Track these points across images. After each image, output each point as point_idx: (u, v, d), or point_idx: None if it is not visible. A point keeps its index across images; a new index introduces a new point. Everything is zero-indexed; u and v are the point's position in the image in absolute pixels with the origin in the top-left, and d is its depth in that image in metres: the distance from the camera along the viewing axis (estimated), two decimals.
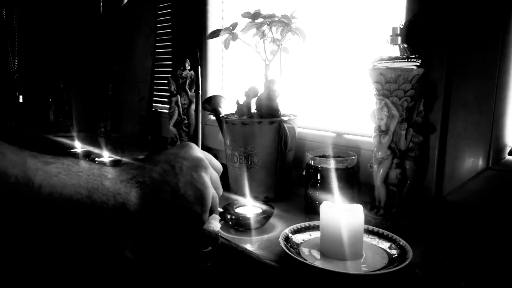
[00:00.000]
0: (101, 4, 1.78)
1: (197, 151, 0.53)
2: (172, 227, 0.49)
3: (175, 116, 1.20)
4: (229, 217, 0.69)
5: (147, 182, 0.46)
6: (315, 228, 0.65)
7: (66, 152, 1.23)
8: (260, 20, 0.83)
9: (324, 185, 0.75)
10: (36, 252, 0.44)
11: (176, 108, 1.20)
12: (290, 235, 0.62)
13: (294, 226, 0.64)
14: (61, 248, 0.45)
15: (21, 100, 1.64)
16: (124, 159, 1.15)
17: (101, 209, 0.42)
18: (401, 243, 0.58)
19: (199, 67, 0.65)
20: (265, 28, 0.84)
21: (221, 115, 0.90)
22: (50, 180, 0.39)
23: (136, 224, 0.45)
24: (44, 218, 0.40)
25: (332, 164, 0.74)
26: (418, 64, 0.66)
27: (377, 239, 0.62)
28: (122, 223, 0.44)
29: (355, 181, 0.79)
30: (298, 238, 0.62)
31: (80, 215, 0.41)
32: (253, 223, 0.67)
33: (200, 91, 0.66)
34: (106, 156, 1.15)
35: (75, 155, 1.21)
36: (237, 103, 0.90)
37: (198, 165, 0.50)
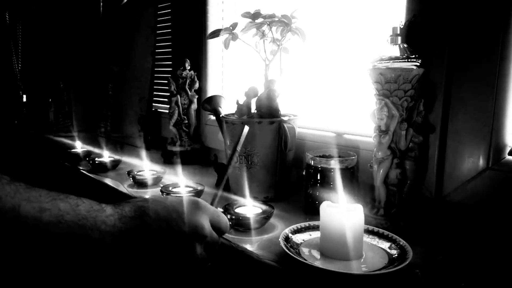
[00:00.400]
0: (101, 4, 1.78)
1: (204, 215, 0.51)
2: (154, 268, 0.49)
3: (175, 116, 1.20)
4: (229, 217, 0.69)
5: (139, 238, 0.46)
6: (315, 228, 0.65)
7: (66, 152, 1.23)
8: (260, 20, 0.83)
9: (324, 185, 0.75)
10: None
11: (176, 108, 1.20)
12: (290, 235, 0.62)
13: (294, 226, 0.64)
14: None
15: (24, 99, 1.64)
16: (123, 160, 1.15)
17: (80, 255, 0.43)
18: (401, 243, 0.58)
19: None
20: (265, 28, 0.84)
21: (221, 115, 0.90)
22: (39, 225, 0.40)
23: (114, 267, 0.46)
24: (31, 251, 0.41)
25: (332, 164, 0.74)
26: (418, 64, 0.66)
27: (377, 239, 0.62)
28: (100, 267, 0.45)
29: (355, 181, 0.79)
30: (298, 238, 0.62)
31: (68, 257, 0.42)
32: (253, 223, 0.67)
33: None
34: (106, 156, 1.15)
35: (75, 156, 1.21)
36: (237, 103, 0.90)
37: (196, 234, 0.49)
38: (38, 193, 0.41)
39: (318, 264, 0.55)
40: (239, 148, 0.62)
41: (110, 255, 0.44)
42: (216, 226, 0.53)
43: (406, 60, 0.65)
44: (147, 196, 0.52)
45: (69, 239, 0.41)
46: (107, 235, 0.44)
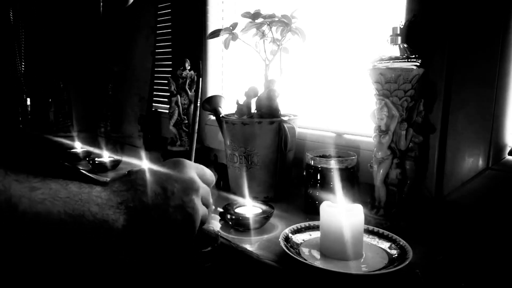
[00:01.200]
0: (101, 4, 1.78)
1: (190, 170, 0.51)
2: (159, 247, 0.48)
3: (175, 116, 1.20)
4: (229, 217, 0.69)
5: (138, 207, 0.45)
6: (315, 228, 0.65)
7: (66, 152, 1.23)
8: (260, 20, 0.83)
9: (324, 185, 0.75)
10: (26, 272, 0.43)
11: (176, 108, 1.20)
12: (290, 235, 0.62)
13: (294, 226, 0.64)
14: (50, 269, 0.45)
15: (28, 103, 1.64)
16: (123, 160, 1.15)
17: (85, 235, 0.41)
18: (401, 243, 0.58)
19: (200, 79, 0.65)
20: (265, 28, 0.84)
21: (221, 115, 0.90)
22: (34, 207, 0.38)
23: (121, 245, 0.44)
24: (30, 243, 0.39)
25: (332, 164, 0.74)
26: (418, 64, 0.66)
27: (377, 239, 0.62)
28: (107, 245, 0.43)
29: (355, 181, 0.79)
30: (298, 238, 0.62)
31: (65, 239, 0.41)
32: (253, 223, 0.67)
33: (199, 103, 0.65)
34: (106, 156, 1.15)
35: (75, 156, 1.21)
36: (237, 103, 0.90)
37: (189, 187, 0.49)
38: (25, 175, 0.40)
39: (318, 264, 0.55)
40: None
41: (114, 228, 0.43)
42: (203, 179, 0.53)
43: (406, 60, 0.65)
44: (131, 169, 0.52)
45: (69, 215, 0.40)
46: (105, 207, 0.43)
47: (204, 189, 0.52)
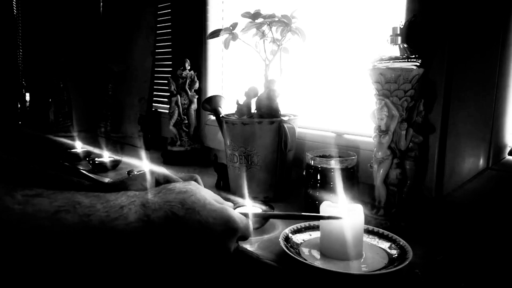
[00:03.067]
0: (101, 4, 1.78)
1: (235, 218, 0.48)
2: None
3: (175, 116, 1.20)
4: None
5: (162, 244, 0.42)
6: (315, 228, 0.65)
7: (66, 152, 1.23)
8: (260, 20, 0.83)
9: (324, 185, 0.75)
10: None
11: (176, 108, 1.20)
12: (290, 235, 0.62)
13: (294, 226, 0.64)
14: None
15: (28, 98, 1.64)
16: (123, 160, 1.15)
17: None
18: (401, 243, 0.58)
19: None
20: (265, 28, 0.84)
21: (221, 115, 0.90)
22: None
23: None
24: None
25: (332, 164, 0.74)
26: (418, 64, 0.66)
27: (377, 239, 0.62)
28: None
29: (355, 181, 0.79)
30: (298, 238, 0.62)
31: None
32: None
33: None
34: (106, 156, 1.15)
35: (75, 156, 1.21)
36: (237, 103, 0.90)
37: (229, 233, 0.47)
38: (38, 203, 0.36)
39: (318, 264, 0.55)
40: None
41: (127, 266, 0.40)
42: (241, 238, 0.52)
43: (406, 60, 0.65)
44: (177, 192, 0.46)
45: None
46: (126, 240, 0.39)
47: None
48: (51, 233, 0.35)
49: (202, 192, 0.48)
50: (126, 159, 1.17)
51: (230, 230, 0.47)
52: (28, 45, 1.68)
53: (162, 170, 0.53)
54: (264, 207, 0.71)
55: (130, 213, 0.40)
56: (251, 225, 0.53)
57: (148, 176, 0.51)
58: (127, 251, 0.39)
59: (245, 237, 0.52)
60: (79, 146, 1.28)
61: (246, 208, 0.72)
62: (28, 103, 1.59)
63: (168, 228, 0.42)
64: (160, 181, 0.52)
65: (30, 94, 1.64)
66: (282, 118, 0.83)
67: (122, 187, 0.49)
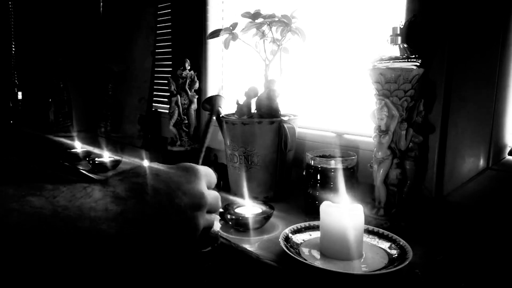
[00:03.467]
0: (101, 4, 1.78)
1: (201, 181, 0.48)
2: (154, 253, 0.44)
3: (175, 116, 1.20)
4: (229, 217, 0.69)
5: (138, 219, 0.41)
6: (315, 228, 0.65)
7: (66, 152, 1.23)
8: (260, 20, 0.83)
9: (324, 185, 0.75)
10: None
11: (176, 108, 1.20)
12: (290, 235, 0.62)
13: (294, 226, 0.64)
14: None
15: (20, 97, 1.63)
16: (123, 160, 1.15)
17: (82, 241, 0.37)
18: (401, 243, 0.58)
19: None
20: (265, 28, 0.84)
21: (221, 115, 0.90)
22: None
23: (113, 251, 0.40)
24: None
25: (332, 164, 0.74)
26: (418, 64, 0.66)
27: (377, 239, 0.61)
28: (98, 251, 0.39)
29: (355, 181, 0.79)
30: (298, 238, 0.62)
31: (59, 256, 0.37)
32: (253, 223, 0.67)
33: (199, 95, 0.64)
34: (106, 156, 1.15)
35: (75, 156, 1.21)
36: (237, 103, 0.90)
37: (197, 203, 0.46)
38: (4, 191, 0.36)
39: (318, 264, 0.55)
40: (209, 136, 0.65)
41: (108, 242, 0.39)
42: (210, 184, 0.51)
43: (406, 60, 0.65)
44: (139, 166, 0.47)
45: (52, 236, 0.35)
46: (100, 221, 0.38)
47: (213, 198, 0.50)
48: (22, 214, 0.35)
49: (156, 165, 0.48)
50: (126, 159, 1.17)
51: (193, 174, 0.48)
52: (22, 44, 1.68)
53: (158, 165, 0.53)
54: (264, 207, 0.71)
55: (94, 191, 0.40)
56: (218, 196, 0.52)
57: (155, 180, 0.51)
58: (102, 226, 0.39)
59: (214, 210, 0.51)
60: (79, 146, 1.28)
61: (246, 208, 0.72)
62: (20, 102, 1.59)
63: (134, 195, 0.42)
64: None
65: (22, 93, 1.63)
66: (282, 118, 0.83)
67: None
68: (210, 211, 0.50)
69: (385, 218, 0.67)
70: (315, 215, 0.62)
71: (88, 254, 0.38)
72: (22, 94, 1.65)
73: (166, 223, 0.44)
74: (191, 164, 0.50)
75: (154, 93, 1.48)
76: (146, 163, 1.03)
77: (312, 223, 0.66)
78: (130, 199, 0.42)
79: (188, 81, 1.20)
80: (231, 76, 1.25)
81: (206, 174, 0.51)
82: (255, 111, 0.87)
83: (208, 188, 0.51)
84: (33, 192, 0.37)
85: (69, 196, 0.38)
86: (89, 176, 1.04)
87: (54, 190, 0.38)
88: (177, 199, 0.45)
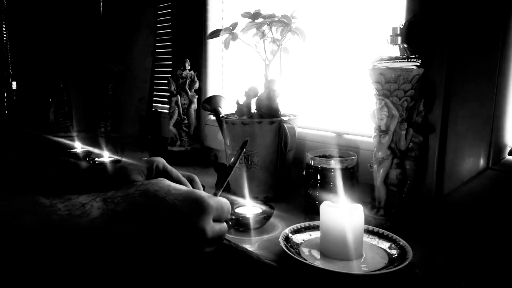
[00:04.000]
0: (101, 4, 1.78)
1: (208, 218, 0.45)
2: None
3: (175, 116, 1.20)
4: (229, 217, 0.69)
5: (133, 241, 0.40)
6: (315, 228, 0.65)
7: (66, 152, 1.23)
8: (260, 20, 0.83)
9: (324, 185, 0.75)
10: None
11: (176, 108, 1.20)
12: (290, 235, 0.62)
13: (294, 226, 0.64)
14: None
15: (14, 86, 1.62)
16: (123, 160, 1.15)
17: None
18: (401, 243, 0.58)
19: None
20: (265, 28, 0.84)
21: (221, 115, 0.90)
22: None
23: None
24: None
25: (332, 164, 0.74)
26: (418, 64, 0.66)
27: (377, 239, 0.61)
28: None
29: (355, 181, 0.79)
30: (298, 238, 0.62)
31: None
32: (253, 223, 0.67)
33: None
34: (106, 156, 1.15)
35: (75, 156, 1.21)
36: (237, 103, 0.90)
37: (198, 247, 0.45)
38: None
39: (318, 264, 0.55)
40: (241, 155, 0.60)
41: (99, 263, 0.38)
42: (219, 219, 0.49)
43: (406, 60, 0.65)
44: (150, 184, 0.45)
45: (40, 258, 0.35)
46: (92, 241, 0.38)
47: (213, 235, 0.47)
48: (11, 236, 0.34)
49: (167, 182, 0.46)
50: (126, 159, 1.17)
51: (200, 210, 0.45)
52: (19, 36, 1.67)
53: (160, 159, 0.52)
54: (264, 207, 0.71)
55: (92, 209, 0.39)
56: (226, 206, 0.50)
57: (147, 164, 0.50)
58: (96, 247, 0.38)
59: (221, 219, 0.49)
60: (79, 146, 1.28)
61: (247, 208, 0.72)
62: (15, 92, 1.57)
63: (134, 219, 0.41)
64: (160, 168, 0.52)
65: (17, 83, 1.62)
66: (282, 118, 0.83)
67: (122, 174, 0.48)
68: (218, 220, 0.48)
69: (385, 218, 0.67)
70: (315, 215, 0.62)
71: (78, 273, 0.37)
72: (17, 84, 1.63)
73: (164, 250, 0.42)
74: (203, 197, 0.46)
75: (154, 93, 1.48)
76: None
77: (312, 223, 0.66)
78: (128, 220, 0.40)
79: (188, 81, 1.20)
80: (231, 76, 1.25)
81: (218, 209, 0.48)
82: (255, 111, 0.87)
83: (219, 221, 0.48)
84: (28, 210, 0.36)
85: (65, 214, 0.37)
86: (91, 175, 1.03)
87: (50, 208, 0.37)
88: (178, 231, 0.43)
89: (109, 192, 0.43)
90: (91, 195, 0.41)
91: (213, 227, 0.47)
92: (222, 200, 0.49)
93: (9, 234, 0.34)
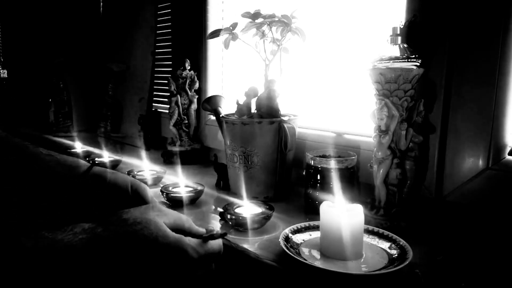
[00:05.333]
0: (101, 3, 1.78)
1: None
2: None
3: (175, 116, 1.20)
4: (229, 217, 0.69)
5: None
6: (315, 228, 0.65)
7: (66, 152, 1.23)
8: (260, 20, 0.83)
9: (324, 185, 0.75)
10: None
11: (176, 108, 1.20)
12: (290, 235, 0.62)
13: (294, 226, 0.64)
14: None
15: (5, 75, 1.62)
16: (123, 160, 1.15)
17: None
18: (401, 243, 0.58)
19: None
20: (265, 28, 0.84)
21: (221, 115, 0.90)
22: None
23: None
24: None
25: (332, 164, 0.74)
26: (418, 64, 0.66)
27: (377, 239, 0.62)
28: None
29: (355, 181, 0.79)
30: (298, 238, 0.62)
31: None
32: (253, 223, 0.67)
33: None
34: (106, 156, 1.15)
35: (75, 156, 1.21)
36: (237, 103, 0.90)
37: (185, 265, 0.46)
38: None
39: (318, 264, 0.55)
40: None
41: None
42: (185, 230, 0.50)
43: (406, 60, 0.65)
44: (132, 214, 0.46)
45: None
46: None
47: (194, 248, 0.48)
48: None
49: (158, 224, 0.46)
50: (126, 159, 1.17)
51: (185, 262, 0.46)
52: (19, 36, 1.66)
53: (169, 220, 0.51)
54: (264, 207, 0.71)
55: (81, 243, 0.40)
56: (213, 249, 0.50)
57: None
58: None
59: (188, 229, 0.50)
60: (79, 146, 1.28)
61: (246, 208, 0.72)
62: (5, 80, 1.57)
63: (119, 261, 0.42)
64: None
65: (8, 71, 1.62)
66: (282, 118, 0.83)
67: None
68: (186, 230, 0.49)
69: (385, 218, 0.67)
70: (315, 215, 0.62)
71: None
72: (8, 73, 1.63)
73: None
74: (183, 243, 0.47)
75: (154, 93, 1.48)
76: (146, 163, 1.02)
77: (312, 223, 0.66)
78: (116, 248, 0.42)
79: (188, 81, 1.20)
80: (231, 76, 1.25)
81: (175, 218, 0.49)
82: (255, 111, 0.87)
83: (187, 231, 0.50)
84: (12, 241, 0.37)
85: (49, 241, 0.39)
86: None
87: (36, 239, 0.38)
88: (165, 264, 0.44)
89: (99, 228, 0.43)
90: (81, 232, 0.42)
91: (196, 246, 0.47)
92: (210, 247, 0.50)
93: None
